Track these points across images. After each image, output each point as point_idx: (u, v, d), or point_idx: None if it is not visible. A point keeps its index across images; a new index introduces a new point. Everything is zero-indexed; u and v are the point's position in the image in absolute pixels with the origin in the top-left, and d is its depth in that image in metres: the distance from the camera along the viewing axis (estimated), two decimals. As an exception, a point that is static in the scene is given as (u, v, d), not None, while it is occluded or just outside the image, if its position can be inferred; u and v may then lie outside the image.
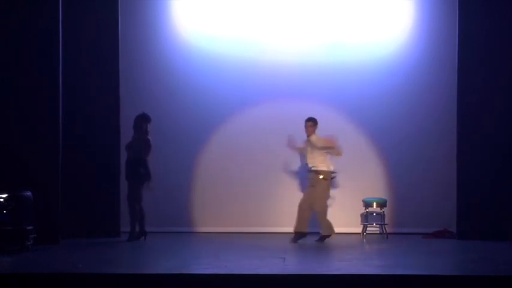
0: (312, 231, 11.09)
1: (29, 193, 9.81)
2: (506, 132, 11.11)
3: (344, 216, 12.19)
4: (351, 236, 11.84)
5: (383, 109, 12.37)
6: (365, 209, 11.68)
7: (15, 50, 10.33)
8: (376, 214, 11.65)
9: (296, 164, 12.35)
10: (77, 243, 10.40)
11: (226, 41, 12.56)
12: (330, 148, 11.05)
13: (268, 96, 12.43)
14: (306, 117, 11.22)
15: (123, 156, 11.28)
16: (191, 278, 7.47)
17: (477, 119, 11.16)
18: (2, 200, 9.60)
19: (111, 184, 11.33)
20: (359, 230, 11.79)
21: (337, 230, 12.13)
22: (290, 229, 12.20)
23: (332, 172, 11.10)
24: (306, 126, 11.17)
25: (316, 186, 11.01)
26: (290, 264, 8.41)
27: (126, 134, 11.36)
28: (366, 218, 11.69)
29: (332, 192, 12.03)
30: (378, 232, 11.84)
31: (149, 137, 11.07)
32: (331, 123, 12.28)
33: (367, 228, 11.73)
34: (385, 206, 11.64)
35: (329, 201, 11.36)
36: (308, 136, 11.18)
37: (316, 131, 11.17)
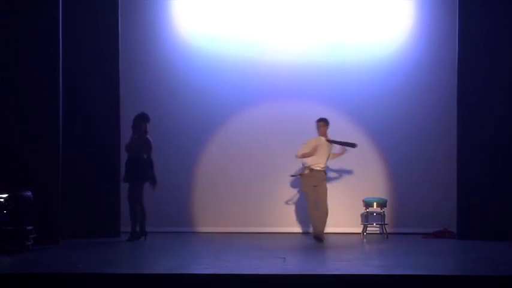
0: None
1: (29, 193, 9.81)
2: (506, 132, 11.11)
3: (344, 216, 12.20)
4: (351, 236, 11.85)
5: (383, 109, 12.37)
6: (365, 209, 11.68)
7: (15, 50, 10.34)
8: (376, 214, 11.65)
9: (296, 165, 12.35)
10: (77, 243, 10.40)
11: (226, 41, 12.56)
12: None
13: (268, 96, 12.43)
14: (318, 117, 11.29)
15: (123, 156, 11.28)
16: (191, 278, 7.47)
17: (477, 119, 11.16)
18: (2, 200, 9.60)
19: (111, 184, 11.33)
20: (359, 230, 11.80)
21: (337, 230, 12.19)
22: (290, 229, 12.25)
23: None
24: (318, 126, 11.23)
25: (323, 186, 11.08)
26: (290, 264, 8.41)
27: (126, 134, 11.36)
28: (366, 218, 11.70)
29: (332, 192, 12.06)
30: (378, 232, 11.85)
31: (149, 137, 11.07)
32: (331, 123, 12.27)
33: (367, 228, 11.73)
34: (385, 206, 11.64)
35: (329, 201, 11.39)
36: (323, 136, 11.20)
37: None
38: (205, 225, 12.37)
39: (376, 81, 12.42)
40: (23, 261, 8.74)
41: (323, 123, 11.21)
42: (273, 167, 12.34)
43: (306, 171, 11.14)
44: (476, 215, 11.04)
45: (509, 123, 11.12)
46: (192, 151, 12.44)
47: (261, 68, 12.47)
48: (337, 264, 8.64)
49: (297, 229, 12.27)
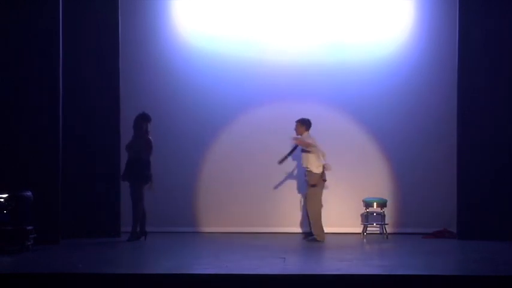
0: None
1: (29, 193, 9.82)
2: (506, 132, 11.11)
3: (344, 216, 12.20)
4: (351, 236, 11.84)
5: (383, 109, 12.37)
6: (365, 209, 11.68)
7: (15, 50, 10.34)
8: (377, 214, 11.65)
9: (295, 163, 12.35)
10: (77, 243, 10.40)
11: (226, 41, 12.55)
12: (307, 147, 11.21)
13: (268, 97, 12.42)
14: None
15: (123, 156, 11.28)
16: (191, 278, 7.47)
17: (477, 119, 11.16)
18: (2, 200, 9.61)
19: (111, 184, 11.33)
20: (359, 230, 11.79)
21: (337, 230, 12.19)
22: (290, 229, 12.24)
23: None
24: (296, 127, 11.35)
25: (308, 187, 11.20)
26: (290, 264, 8.41)
27: (126, 134, 11.37)
28: (366, 218, 11.69)
29: (332, 192, 12.08)
30: (378, 232, 11.83)
31: (150, 137, 11.07)
32: (331, 123, 12.30)
33: (368, 228, 11.72)
34: (386, 206, 11.63)
35: (329, 201, 11.39)
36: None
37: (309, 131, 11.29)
38: (206, 225, 12.37)
39: (376, 81, 12.41)
40: (23, 261, 8.75)
41: (299, 124, 11.29)
42: (273, 167, 12.29)
43: (317, 172, 11.14)
44: (476, 215, 11.03)
45: (509, 123, 11.12)
46: (192, 151, 12.43)
47: (261, 68, 12.46)
48: (337, 264, 8.64)
49: (297, 229, 12.26)
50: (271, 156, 12.27)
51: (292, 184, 12.39)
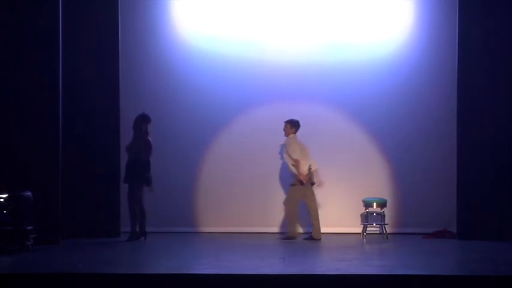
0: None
1: (29, 193, 9.82)
2: (506, 132, 11.11)
3: (344, 216, 12.20)
4: (351, 236, 11.84)
5: (383, 109, 12.36)
6: (365, 209, 11.67)
7: (15, 50, 10.33)
8: (376, 214, 11.64)
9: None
10: (77, 243, 10.40)
11: (226, 41, 12.55)
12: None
13: (268, 97, 12.42)
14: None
15: (123, 156, 11.29)
16: (191, 278, 7.47)
17: (477, 119, 11.16)
18: (2, 200, 9.60)
19: (111, 184, 11.33)
20: (359, 230, 11.79)
21: (337, 230, 12.19)
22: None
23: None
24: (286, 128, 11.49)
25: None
26: (290, 264, 8.41)
27: (126, 134, 11.37)
28: (366, 218, 11.69)
29: (332, 192, 12.09)
30: (378, 232, 11.83)
31: (149, 138, 11.07)
32: (331, 124, 12.30)
33: (367, 228, 11.72)
34: (385, 206, 11.63)
35: (329, 201, 11.41)
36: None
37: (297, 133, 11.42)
38: (206, 225, 12.37)
39: (376, 81, 12.41)
40: (23, 261, 8.75)
41: (289, 125, 11.38)
42: (273, 167, 12.34)
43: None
44: (476, 215, 11.03)
45: (509, 123, 11.12)
46: (192, 151, 12.43)
47: (261, 68, 12.46)
48: (337, 264, 8.64)
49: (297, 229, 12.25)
50: (271, 156, 12.31)
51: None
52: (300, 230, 11.68)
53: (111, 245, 10.59)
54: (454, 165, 11.34)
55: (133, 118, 11.21)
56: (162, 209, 12.04)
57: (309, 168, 11.31)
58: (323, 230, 11.78)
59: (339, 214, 12.23)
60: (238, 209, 12.36)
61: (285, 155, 11.50)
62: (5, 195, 9.63)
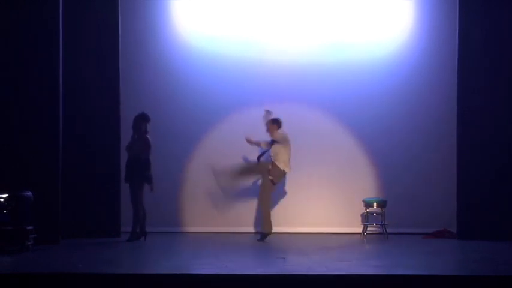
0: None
1: (29, 193, 9.82)
2: (506, 132, 11.11)
3: (344, 216, 12.20)
4: (351, 236, 11.84)
5: (383, 109, 12.36)
6: (365, 209, 11.67)
7: (15, 50, 10.34)
8: (377, 214, 11.64)
9: (299, 167, 12.37)
10: (77, 243, 10.40)
11: (226, 41, 12.55)
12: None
13: (268, 97, 12.40)
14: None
15: (123, 156, 11.29)
16: (191, 278, 7.47)
17: (477, 118, 11.16)
18: (2, 200, 9.61)
19: (111, 184, 11.33)
20: (359, 230, 11.78)
21: (337, 230, 12.19)
22: (290, 229, 12.23)
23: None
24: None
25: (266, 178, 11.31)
26: (290, 264, 8.41)
27: (126, 134, 11.37)
28: (366, 218, 11.69)
29: (332, 192, 12.09)
30: (378, 232, 11.83)
31: (148, 136, 11.07)
32: (330, 123, 12.29)
33: (367, 228, 11.72)
34: (385, 206, 11.63)
35: (329, 201, 11.39)
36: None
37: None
38: (206, 225, 12.36)
39: (376, 81, 12.41)
40: (23, 261, 8.75)
41: (270, 122, 11.37)
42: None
43: (283, 167, 11.22)
44: (476, 215, 11.03)
45: (509, 123, 11.12)
46: (192, 151, 12.43)
47: (261, 68, 12.46)
48: (337, 264, 8.64)
49: (297, 229, 12.25)
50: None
51: (292, 184, 12.37)
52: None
53: (111, 245, 10.59)
54: (454, 165, 11.34)
55: (133, 118, 11.21)
56: (162, 209, 12.04)
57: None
58: (324, 230, 11.82)
59: (339, 214, 12.23)
60: (239, 209, 12.36)
61: (273, 149, 11.35)
62: (5, 195, 9.63)
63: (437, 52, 12.29)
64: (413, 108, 12.35)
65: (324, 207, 12.23)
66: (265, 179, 11.30)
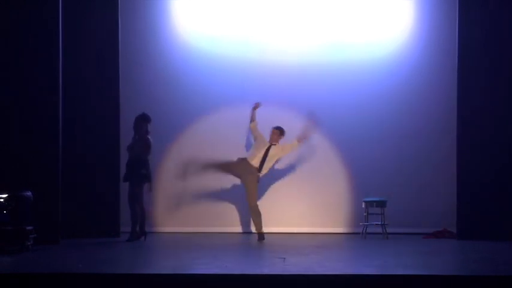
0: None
1: (29, 193, 9.81)
2: (506, 132, 11.11)
3: (344, 216, 12.20)
4: (351, 236, 11.84)
5: (383, 109, 12.37)
6: (365, 209, 11.67)
7: (15, 50, 10.33)
8: (376, 214, 11.64)
9: (298, 164, 12.37)
10: (77, 243, 10.40)
11: (226, 41, 12.55)
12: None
13: (268, 97, 12.40)
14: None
15: (123, 156, 11.29)
16: (191, 278, 7.47)
17: (477, 118, 11.16)
18: (2, 200, 9.60)
19: (111, 184, 11.33)
20: (359, 230, 11.78)
21: (337, 230, 12.20)
22: (290, 229, 12.23)
23: None
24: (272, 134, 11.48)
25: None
26: (290, 264, 8.40)
27: (126, 134, 11.38)
28: (366, 218, 11.69)
29: (333, 192, 12.09)
30: (378, 232, 11.82)
31: (149, 137, 11.07)
32: (330, 123, 12.29)
33: (367, 228, 11.71)
34: (385, 206, 11.62)
35: (329, 201, 11.35)
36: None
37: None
38: (205, 225, 12.36)
39: (376, 81, 12.41)
40: (23, 261, 8.74)
41: (278, 131, 11.44)
42: (273, 166, 12.33)
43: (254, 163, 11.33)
44: (476, 215, 11.03)
45: (509, 123, 11.12)
46: (192, 152, 12.41)
47: (261, 68, 12.47)
48: (337, 264, 8.64)
49: (297, 229, 12.26)
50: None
51: (292, 184, 12.38)
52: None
53: (111, 245, 10.59)
54: (454, 165, 11.34)
55: (133, 118, 11.22)
56: (162, 209, 12.04)
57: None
58: (324, 229, 11.82)
59: (338, 214, 12.22)
60: (238, 209, 12.36)
61: (275, 157, 11.49)
62: (5, 195, 9.63)
63: (437, 52, 12.29)
64: (413, 108, 12.36)
65: (324, 207, 12.23)
66: (249, 181, 11.27)
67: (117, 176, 11.32)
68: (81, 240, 10.73)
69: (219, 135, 12.42)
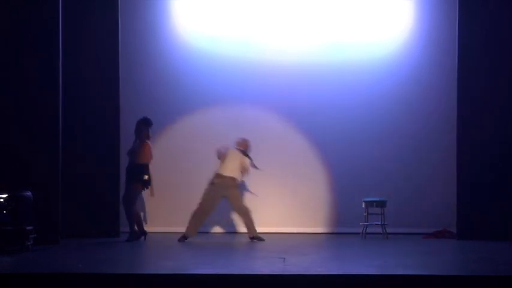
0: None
1: (29, 193, 9.81)
2: (506, 132, 11.11)
3: (344, 216, 12.20)
4: (351, 236, 11.84)
5: (383, 109, 12.37)
6: (365, 209, 11.67)
7: (15, 50, 10.33)
8: (376, 214, 11.64)
9: (298, 165, 12.37)
10: (77, 243, 10.40)
11: (226, 41, 12.57)
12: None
13: (268, 96, 12.42)
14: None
15: (123, 156, 11.30)
16: (191, 278, 7.47)
17: (477, 118, 11.16)
18: (2, 200, 9.60)
19: (111, 184, 11.34)
20: (359, 230, 11.78)
21: (337, 230, 12.20)
22: (290, 229, 12.24)
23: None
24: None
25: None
26: (290, 264, 8.40)
27: (126, 134, 11.39)
28: (366, 218, 11.69)
29: (332, 192, 12.10)
30: (378, 232, 11.81)
31: (149, 142, 11.06)
32: (330, 123, 12.30)
33: (367, 228, 11.71)
34: (385, 206, 11.62)
35: (329, 201, 11.34)
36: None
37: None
38: (205, 226, 12.34)
39: (376, 81, 12.42)
40: (23, 261, 8.74)
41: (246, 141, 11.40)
42: (274, 166, 12.34)
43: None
44: (476, 215, 11.03)
45: (509, 123, 11.12)
46: (192, 152, 12.43)
47: (261, 68, 12.47)
48: (337, 264, 8.64)
49: (297, 229, 12.26)
50: (271, 156, 12.30)
51: (292, 184, 12.39)
52: None
53: (111, 245, 10.59)
54: (454, 165, 11.33)
55: (133, 118, 11.24)
56: (162, 209, 12.05)
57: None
58: (325, 230, 11.81)
59: (339, 214, 12.23)
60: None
61: (248, 166, 11.38)
62: (5, 195, 9.62)
63: (437, 52, 12.29)
64: (413, 108, 12.36)
65: (324, 206, 12.23)
66: (234, 191, 11.21)
67: (117, 176, 11.33)
68: (81, 240, 10.72)
69: (219, 135, 12.40)
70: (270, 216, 12.35)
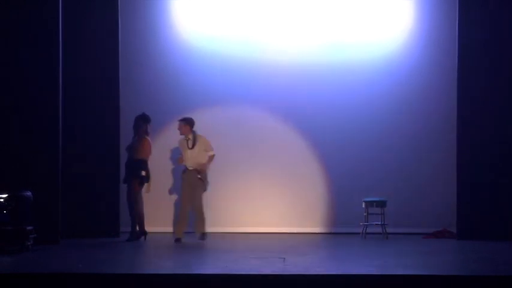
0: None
1: (29, 193, 9.81)
2: (506, 132, 11.11)
3: (344, 216, 12.19)
4: (351, 236, 11.83)
5: (383, 109, 12.36)
6: (365, 209, 11.66)
7: (15, 50, 10.33)
8: (376, 214, 11.63)
9: (298, 165, 12.37)
10: (77, 243, 10.40)
11: (226, 41, 12.55)
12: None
13: (269, 96, 12.42)
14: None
15: (123, 156, 11.30)
16: (191, 278, 7.47)
17: (477, 118, 11.15)
18: (2, 200, 9.60)
19: (111, 184, 11.34)
20: (359, 230, 11.78)
21: (337, 230, 12.19)
22: (290, 229, 12.23)
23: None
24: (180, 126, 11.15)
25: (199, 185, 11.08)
26: (290, 264, 8.40)
27: (126, 134, 11.38)
28: (366, 218, 11.68)
29: (333, 192, 12.10)
30: (378, 232, 11.81)
31: (148, 138, 11.08)
32: (330, 123, 12.29)
33: (367, 228, 11.71)
34: (385, 206, 11.62)
35: (329, 201, 11.34)
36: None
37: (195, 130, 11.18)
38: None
39: (376, 81, 12.41)
40: (23, 261, 8.75)
41: (183, 123, 11.12)
42: (274, 165, 12.35)
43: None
44: (476, 215, 11.03)
45: (509, 123, 11.11)
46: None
47: (261, 68, 12.46)
48: (337, 264, 8.64)
49: (297, 229, 12.26)
50: (271, 156, 12.31)
51: (292, 184, 12.38)
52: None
53: (111, 245, 10.59)
54: (454, 165, 11.33)
55: (133, 118, 11.23)
56: (162, 209, 12.04)
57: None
58: (324, 230, 11.79)
59: (339, 214, 12.22)
60: (238, 209, 12.36)
61: (197, 151, 11.12)
62: (5, 195, 9.63)
63: (437, 52, 12.29)
64: (413, 108, 12.36)
65: (324, 206, 12.22)
66: (197, 185, 11.11)
67: (117, 176, 11.33)
68: (81, 240, 10.73)
69: (219, 135, 12.39)
70: (270, 216, 12.35)
